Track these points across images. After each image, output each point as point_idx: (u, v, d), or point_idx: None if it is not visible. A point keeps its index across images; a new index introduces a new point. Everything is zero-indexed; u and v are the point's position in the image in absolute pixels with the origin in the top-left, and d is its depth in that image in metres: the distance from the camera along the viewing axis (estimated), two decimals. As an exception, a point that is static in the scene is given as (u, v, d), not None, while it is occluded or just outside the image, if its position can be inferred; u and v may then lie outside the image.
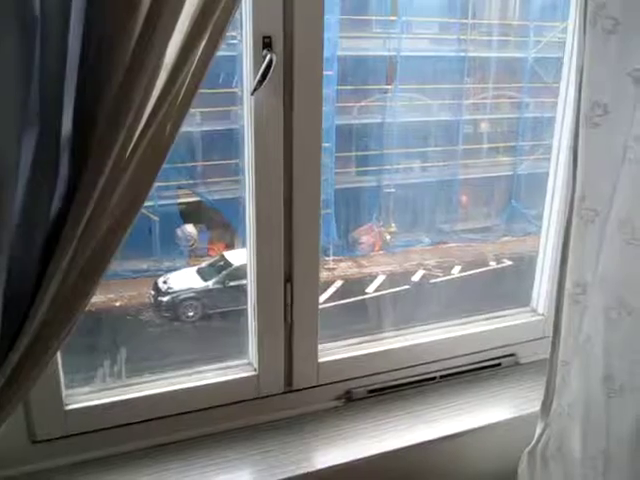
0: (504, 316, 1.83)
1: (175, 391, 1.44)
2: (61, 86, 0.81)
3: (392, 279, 2.39)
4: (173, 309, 2.04)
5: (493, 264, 2.51)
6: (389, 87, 2.23)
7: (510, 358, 1.80)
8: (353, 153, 2.31)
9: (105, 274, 0.91)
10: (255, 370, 1.49)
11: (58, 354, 1.32)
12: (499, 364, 1.78)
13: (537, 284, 1.84)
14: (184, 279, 2.04)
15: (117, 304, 1.98)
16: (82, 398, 1.39)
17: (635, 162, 1.18)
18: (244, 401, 1.50)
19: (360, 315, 2.22)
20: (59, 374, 1.33)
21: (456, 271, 2.48)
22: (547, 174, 1.73)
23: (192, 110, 1.79)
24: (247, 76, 1.29)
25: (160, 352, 1.86)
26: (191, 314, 2.04)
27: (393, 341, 1.66)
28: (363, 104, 2.24)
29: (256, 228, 1.36)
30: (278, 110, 1.30)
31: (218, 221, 2.01)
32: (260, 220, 1.36)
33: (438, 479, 1.59)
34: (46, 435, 1.35)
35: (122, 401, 1.40)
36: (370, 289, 2.34)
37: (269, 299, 1.44)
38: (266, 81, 1.24)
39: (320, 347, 1.55)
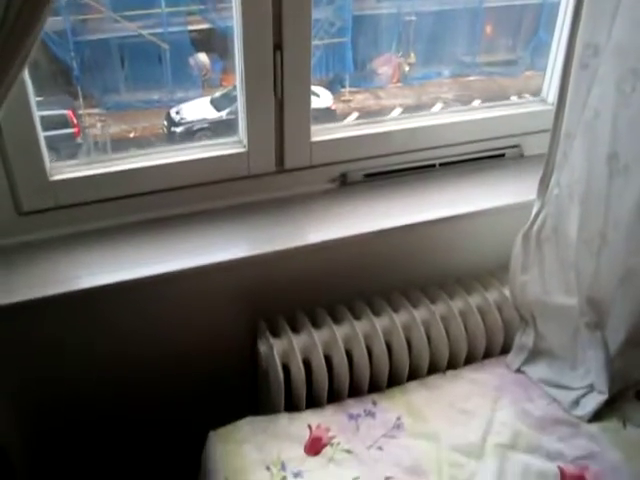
0: (511, 105, 1.73)
1: (164, 165, 1.40)
2: None
3: (409, 112, 2.29)
4: (187, 140, 1.98)
5: (514, 99, 2.40)
6: None
7: (514, 149, 1.73)
8: (373, -24, 2.14)
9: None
10: (245, 147, 1.44)
11: (39, 128, 1.27)
12: (502, 155, 1.72)
13: (549, 71, 1.73)
14: (197, 109, 1.98)
15: (130, 135, 1.94)
16: (67, 170, 1.36)
17: None
18: (235, 179, 1.47)
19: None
20: (40, 144, 1.29)
21: (475, 104, 2.37)
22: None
23: None
24: None
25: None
26: (204, 145, 1.97)
27: (392, 124, 1.59)
28: None
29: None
30: None
31: (232, 50, 1.89)
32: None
33: (432, 259, 1.60)
34: (33, 207, 1.34)
35: (109, 173, 1.37)
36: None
37: (257, 69, 1.35)
38: None
39: (314, 128, 1.49)
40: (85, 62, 1.71)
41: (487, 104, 1.71)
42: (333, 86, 2.14)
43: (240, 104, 1.40)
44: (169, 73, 1.87)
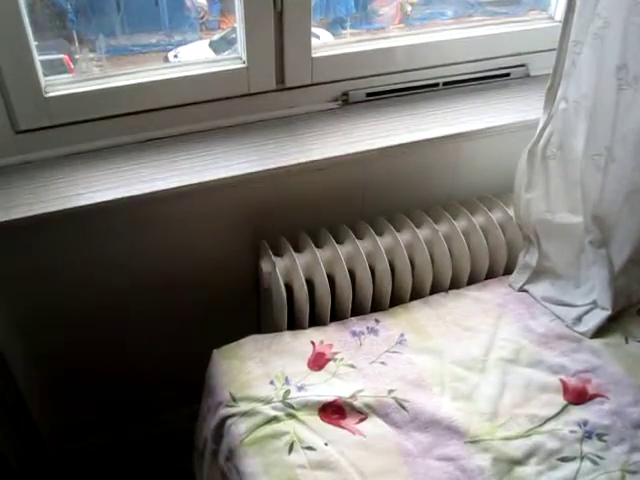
0: (517, 22, 1.68)
1: (162, 81, 1.38)
2: None
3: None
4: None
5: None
6: None
7: (520, 69, 1.69)
8: None
9: None
10: (244, 63, 1.40)
11: (31, 41, 1.23)
12: (508, 74, 1.68)
13: (557, -14, 1.67)
14: (196, 53, 1.91)
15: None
16: (63, 87, 1.33)
17: None
18: (235, 97, 1.44)
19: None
20: (34, 59, 1.27)
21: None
22: None
23: None
24: None
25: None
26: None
27: (395, 40, 1.54)
28: None
29: None
30: None
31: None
32: None
33: (436, 180, 1.58)
34: (29, 124, 1.31)
35: (105, 90, 1.34)
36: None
37: (256, -21, 1.30)
38: None
39: (315, 43, 1.45)
40: (80, 5, 1.66)
41: (492, 20, 1.66)
42: (333, 27, 2.09)
43: (238, 16, 1.36)
44: (166, 16, 1.82)
